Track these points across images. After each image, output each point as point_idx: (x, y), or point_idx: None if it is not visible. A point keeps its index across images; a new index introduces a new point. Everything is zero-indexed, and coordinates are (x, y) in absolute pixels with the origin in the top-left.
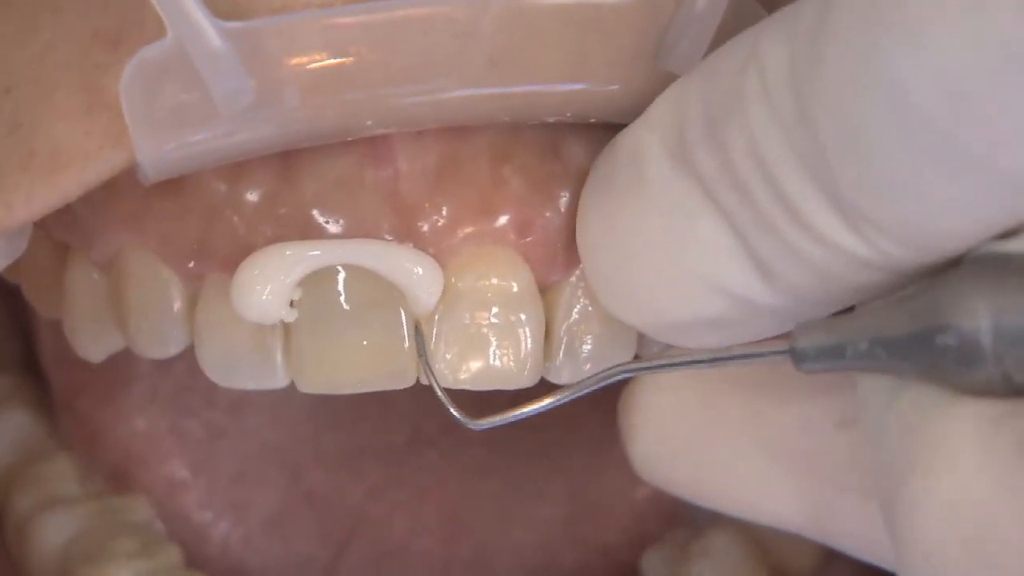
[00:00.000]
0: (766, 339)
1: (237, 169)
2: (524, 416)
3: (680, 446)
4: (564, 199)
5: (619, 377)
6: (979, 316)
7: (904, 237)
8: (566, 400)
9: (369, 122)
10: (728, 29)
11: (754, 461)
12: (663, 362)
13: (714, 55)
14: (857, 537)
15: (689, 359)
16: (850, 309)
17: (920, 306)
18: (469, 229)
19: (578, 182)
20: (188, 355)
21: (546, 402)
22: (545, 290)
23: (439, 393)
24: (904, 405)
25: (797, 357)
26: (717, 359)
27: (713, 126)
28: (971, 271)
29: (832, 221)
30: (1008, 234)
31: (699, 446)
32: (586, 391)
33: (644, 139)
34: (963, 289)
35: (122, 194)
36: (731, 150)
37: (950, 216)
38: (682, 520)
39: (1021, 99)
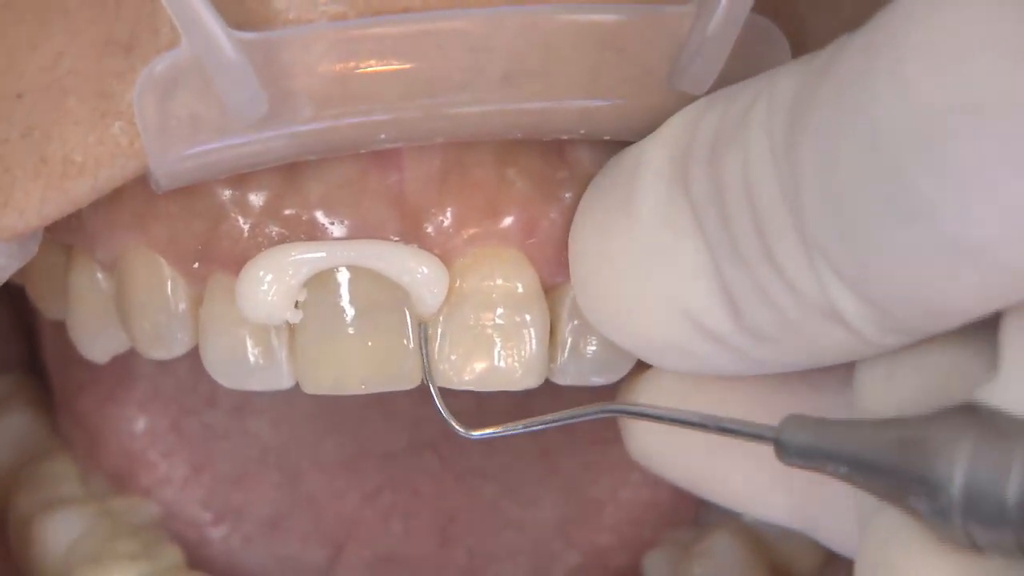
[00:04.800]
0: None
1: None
2: (518, 432)
3: (673, 443)
4: (569, 201)
5: (611, 415)
6: (953, 477)
7: (863, 291)
8: (555, 424)
9: (382, 136)
10: (744, 51)
11: (745, 468)
12: (655, 413)
13: (738, 84)
14: (845, 541)
15: (678, 417)
16: (847, 366)
17: (901, 444)
18: (474, 230)
19: (583, 185)
20: (190, 356)
21: (536, 426)
22: (550, 291)
23: (437, 402)
24: (882, 528)
25: (780, 447)
26: (704, 425)
27: (716, 151)
28: (957, 422)
29: (799, 262)
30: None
31: (692, 446)
32: (575, 420)
33: (649, 155)
34: (944, 446)
35: (127, 196)
36: (725, 177)
37: (906, 276)
38: (681, 520)
39: (983, 159)
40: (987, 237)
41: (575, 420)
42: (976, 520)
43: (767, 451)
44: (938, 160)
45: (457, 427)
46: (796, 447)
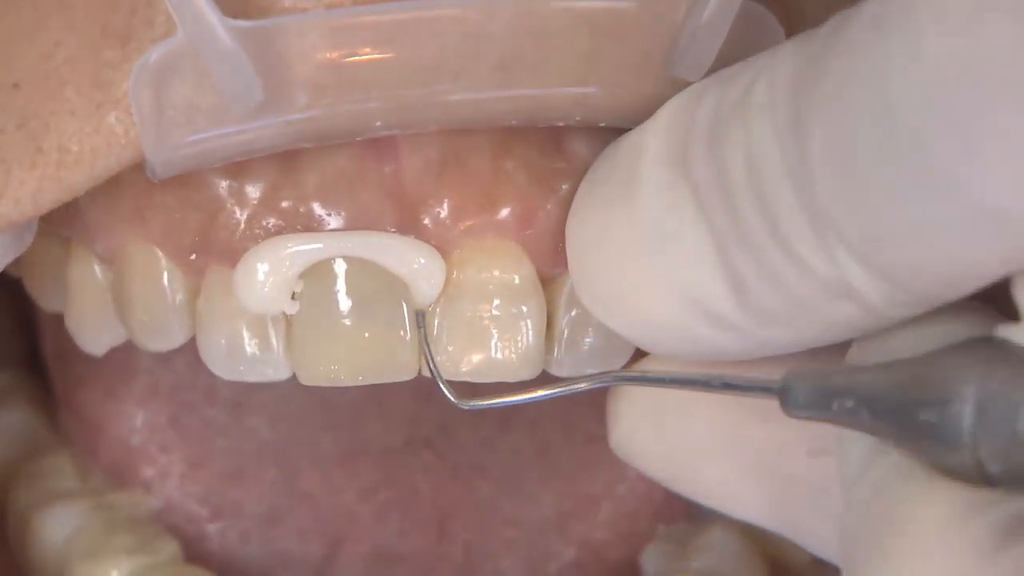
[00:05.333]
0: (756, 376)
1: (239, 163)
2: (513, 403)
3: (654, 440)
4: (566, 192)
5: (611, 383)
6: (964, 399)
7: (876, 263)
8: (556, 395)
9: (378, 123)
10: (739, 37)
11: (724, 469)
12: (656, 376)
13: (734, 66)
14: (824, 545)
15: (681, 377)
16: (846, 346)
17: (910, 376)
18: (471, 222)
19: (580, 176)
20: (188, 352)
21: (537, 394)
22: (547, 283)
23: (433, 369)
24: (879, 473)
25: (785, 399)
26: (707, 384)
27: (716, 134)
28: (966, 352)
29: (808, 239)
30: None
31: (673, 445)
32: (577, 390)
33: (646, 141)
34: (953, 368)
35: (124, 188)
36: (728, 159)
37: (923, 245)
38: (676, 515)
39: (1004, 124)
40: (1010, 203)
41: (572, 391)
42: (988, 453)
43: (748, 451)
44: (957, 130)
45: (452, 397)
46: (802, 397)
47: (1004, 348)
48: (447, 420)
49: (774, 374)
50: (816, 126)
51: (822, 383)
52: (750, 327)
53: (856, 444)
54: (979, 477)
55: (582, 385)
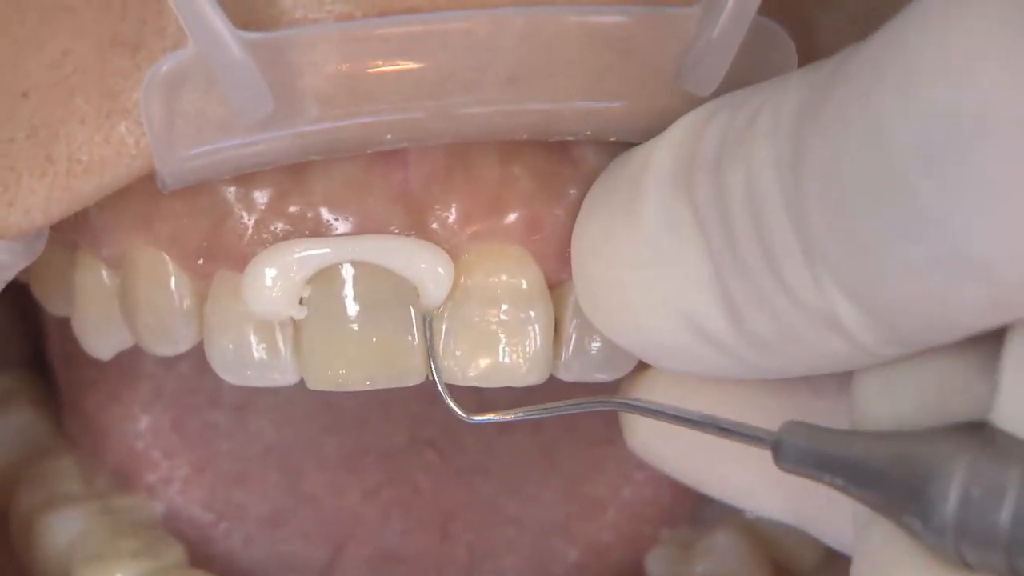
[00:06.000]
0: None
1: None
2: (516, 420)
3: (673, 438)
4: (573, 198)
5: (610, 407)
6: (948, 490)
7: (863, 300)
8: (555, 414)
9: (388, 136)
10: (751, 52)
11: (744, 464)
12: (654, 407)
13: (745, 90)
14: (842, 538)
15: (678, 413)
16: (846, 373)
17: (900, 455)
18: (478, 227)
19: (587, 182)
20: (193, 355)
21: (535, 414)
22: (554, 288)
23: (439, 384)
24: (876, 538)
25: (777, 452)
26: (704, 424)
27: (720, 158)
28: (955, 440)
29: (800, 270)
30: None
31: (692, 441)
32: (575, 410)
33: (653, 159)
34: (943, 455)
35: (132, 193)
36: (729, 182)
37: (908, 285)
38: (680, 519)
39: (987, 171)
40: (992, 252)
41: (573, 411)
42: (968, 540)
43: (763, 466)
44: (943, 173)
45: (458, 411)
46: (794, 453)
47: (991, 440)
48: (450, 421)
49: (772, 404)
50: (813, 158)
51: (815, 445)
52: (743, 351)
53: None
54: (963, 565)
55: (583, 407)
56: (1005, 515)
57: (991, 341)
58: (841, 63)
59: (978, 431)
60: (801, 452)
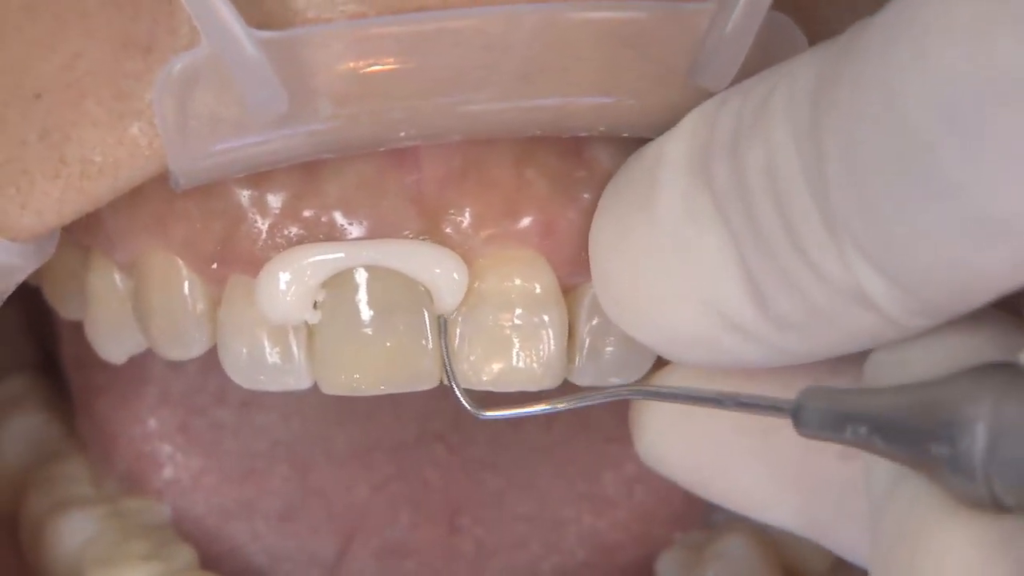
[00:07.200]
0: (770, 397)
1: (261, 172)
2: (530, 414)
3: (682, 445)
4: (587, 201)
5: (627, 397)
6: (976, 431)
7: (888, 269)
8: (571, 408)
9: (401, 133)
10: (763, 47)
11: (752, 474)
12: (670, 391)
13: (754, 77)
14: (854, 547)
15: (695, 394)
16: (863, 355)
17: (922, 402)
18: (492, 231)
19: (601, 185)
20: (200, 356)
21: (552, 406)
22: (568, 292)
23: (452, 379)
24: (903, 499)
25: (797, 419)
26: (720, 401)
27: (737, 140)
28: (981, 377)
29: (824, 245)
30: None
31: (700, 451)
32: (591, 403)
33: (668, 151)
34: (966, 396)
35: (145, 197)
36: (748, 165)
37: (931, 251)
38: (692, 522)
39: (1006, 131)
40: (1014, 210)
41: (589, 404)
42: (1000, 479)
43: (777, 454)
44: (962, 134)
45: (469, 406)
46: (815, 416)
47: (1017, 377)
48: (460, 415)
49: (791, 391)
50: (831, 131)
51: (835, 405)
52: (769, 335)
53: (881, 468)
54: (994, 506)
55: (597, 398)
56: None
57: (1005, 320)
58: (853, 36)
59: (1000, 371)
60: (821, 416)
